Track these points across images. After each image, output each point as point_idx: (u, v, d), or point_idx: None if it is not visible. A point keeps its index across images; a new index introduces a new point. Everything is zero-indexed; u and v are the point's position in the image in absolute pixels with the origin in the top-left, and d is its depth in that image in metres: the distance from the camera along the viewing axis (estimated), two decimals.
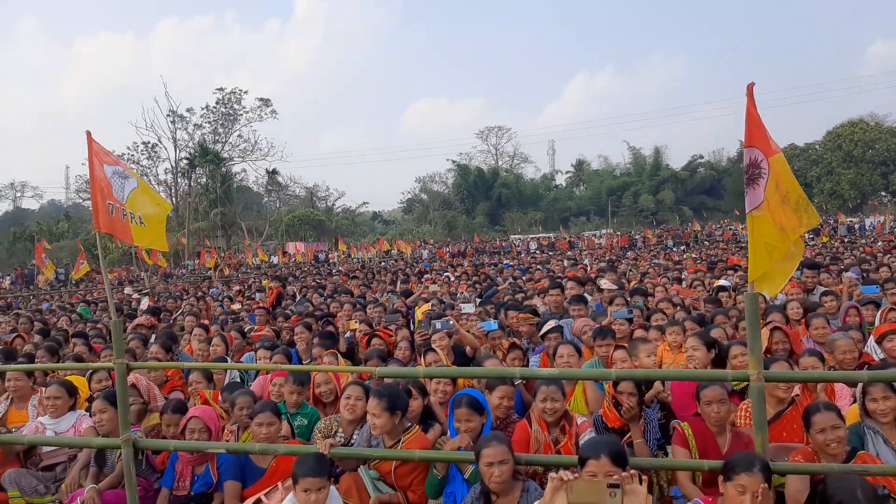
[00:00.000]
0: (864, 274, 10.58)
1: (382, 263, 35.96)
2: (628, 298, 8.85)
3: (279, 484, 4.46)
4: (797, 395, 4.83)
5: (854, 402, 4.64)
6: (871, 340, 6.08)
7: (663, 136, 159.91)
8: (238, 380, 6.75)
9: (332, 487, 3.88)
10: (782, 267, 3.25)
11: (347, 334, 7.75)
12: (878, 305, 7.52)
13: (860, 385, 4.00)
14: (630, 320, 6.76)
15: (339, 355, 6.70)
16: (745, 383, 4.99)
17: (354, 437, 4.76)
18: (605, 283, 9.49)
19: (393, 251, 47.26)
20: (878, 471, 3.38)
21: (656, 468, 3.98)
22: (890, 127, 59.48)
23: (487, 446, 3.59)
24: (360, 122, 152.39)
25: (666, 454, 4.61)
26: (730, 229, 45.42)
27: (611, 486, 2.56)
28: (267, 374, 6.32)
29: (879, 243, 24.15)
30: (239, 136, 65.77)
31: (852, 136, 57.93)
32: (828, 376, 4.41)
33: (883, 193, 59.00)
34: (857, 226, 41.49)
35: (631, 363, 5.24)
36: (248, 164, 68.57)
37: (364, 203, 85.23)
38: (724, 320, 7.13)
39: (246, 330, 9.41)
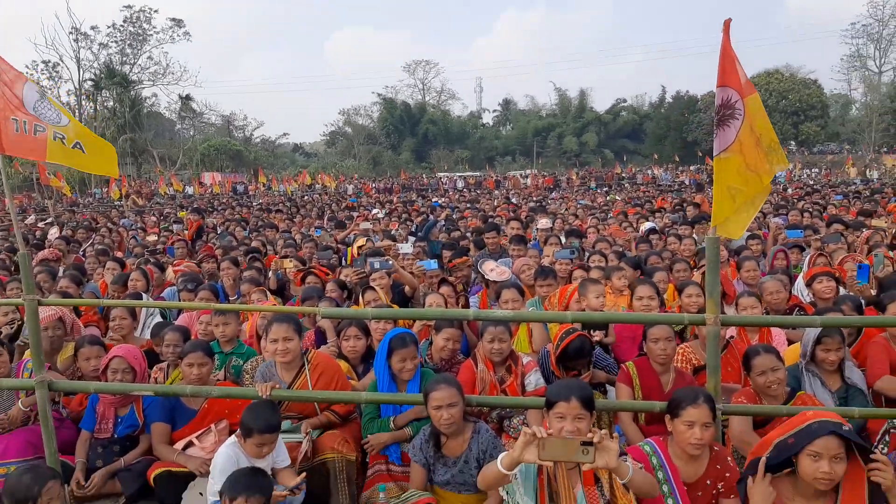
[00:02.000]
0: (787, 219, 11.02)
1: (306, 197, 35.01)
2: (562, 239, 8.88)
3: (212, 426, 4.24)
4: (732, 337, 4.94)
5: (790, 344, 4.79)
6: (800, 282, 6.29)
7: (589, 77, 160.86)
8: (160, 318, 6.36)
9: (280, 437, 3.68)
10: (745, 210, 3.19)
11: (279, 271, 7.40)
12: (801, 249, 7.83)
13: (814, 331, 4.05)
14: (571, 260, 6.76)
15: (267, 292, 6.40)
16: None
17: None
18: (543, 222, 9.49)
19: (316, 185, 46.15)
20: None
21: (609, 409, 3.98)
22: (803, 78, 61.74)
23: (436, 389, 3.43)
24: (281, 50, 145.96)
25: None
26: (648, 172, 46.57)
27: (584, 443, 2.46)
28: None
29: (790, 190, 25.34)
30: (149, 57, 61.35)
31: (768, 86, 59.64)
32: (783, 321, 4.49)
33: (792, 143, 61.67)
34: None
35: (579, 304, 5.21)
36: (160, 89, 64.20)
37: (284, 134, 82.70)
38: (657, 261, 7.22)
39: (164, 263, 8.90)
